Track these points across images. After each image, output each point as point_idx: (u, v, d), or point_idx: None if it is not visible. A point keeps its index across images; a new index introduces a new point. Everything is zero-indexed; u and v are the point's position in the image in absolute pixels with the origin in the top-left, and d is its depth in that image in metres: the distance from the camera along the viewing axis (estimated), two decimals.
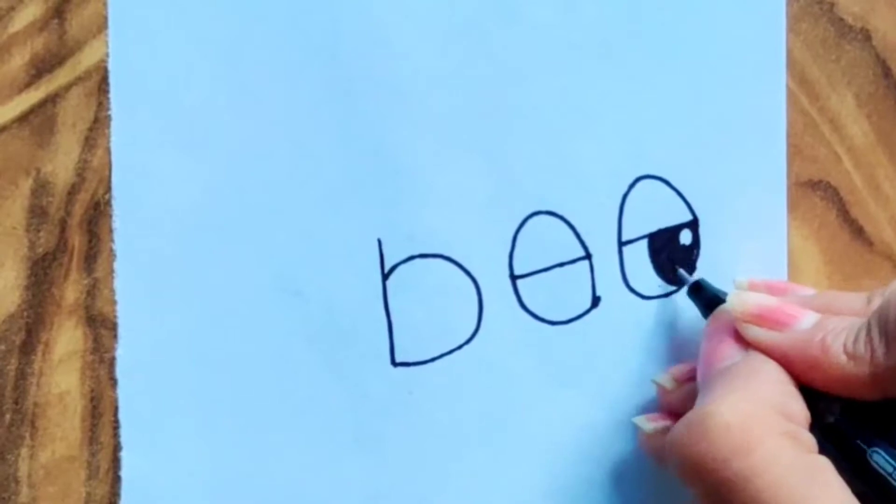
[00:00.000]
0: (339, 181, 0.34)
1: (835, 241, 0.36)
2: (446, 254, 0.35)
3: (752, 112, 0.35)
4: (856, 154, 0.36)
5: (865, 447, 0.28)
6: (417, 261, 0.35)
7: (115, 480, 0.34)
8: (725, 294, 0.33)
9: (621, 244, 0.35)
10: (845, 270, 0.36)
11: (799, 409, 0.28)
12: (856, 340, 0.28)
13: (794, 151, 0.36)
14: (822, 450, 0.28)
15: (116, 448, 0.34)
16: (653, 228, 0.35)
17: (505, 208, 0.35)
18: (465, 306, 0.35)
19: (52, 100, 0.34)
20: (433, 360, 0.35)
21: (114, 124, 0.34)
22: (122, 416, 0.34)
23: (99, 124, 0.34)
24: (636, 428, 0.34)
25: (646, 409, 0.35)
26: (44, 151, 0.34)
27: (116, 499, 0.34)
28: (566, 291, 0.35)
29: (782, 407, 0.28)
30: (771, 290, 0.33)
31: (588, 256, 0.35)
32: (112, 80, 0.34)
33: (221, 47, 0.34)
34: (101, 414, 0.34)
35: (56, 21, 0.34)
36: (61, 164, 0.34)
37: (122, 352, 0.34)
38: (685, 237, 0.35)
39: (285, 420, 0.34)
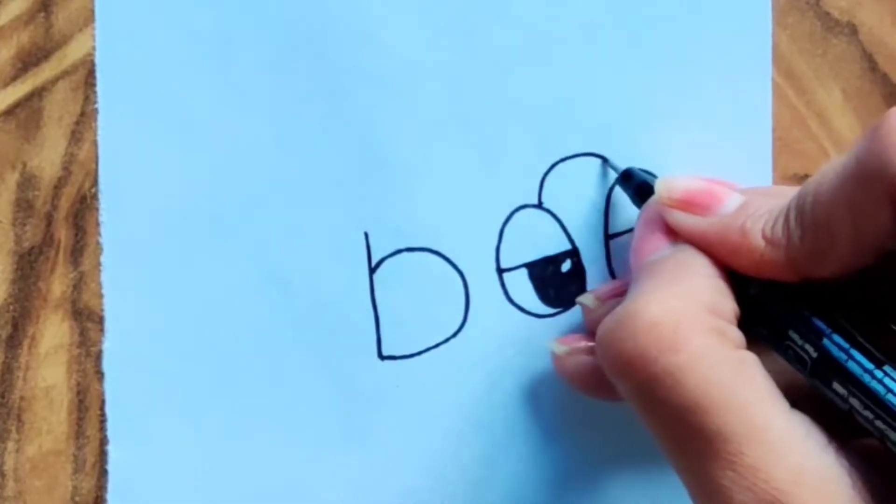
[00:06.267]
0: (327, 174, 0.34)
1: None
2: (433, 247, 0.35)
3: (738, 106, 0.35)
4: (843, 148, 0.36)
5: (786, 319, 0.28)
6: (404, 254, 0.35)
7: (102, 474, 0.34)
8: (651, 180, 0.32)
9: (608, 237, 0.35)
10: None
11: (728, 306, 0.28)
12: (774, 224, 0.28)
13: (781, 145, 0.36)
14: (747, 333, 0.28)
15: (103, 442, 0.34)
16: None
17: (492, 202, 0.35)
18: (452, 300, 0.35)
19: (38, 94, 0.34)
20: (420, 353, 0.35)
21: (100, 118, 0.34)
22: (108, 409, 0.34)
23: (85, 118, 0.34)
24: (552, 355, 0.33)
25: None
26: (30, 145, 0.34)
27: (103, 492, 0.34)
28: (553, 285, 0.35)
29: (711, 303, 0.28)
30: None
31: (575, 250, 0.35)
32: (99, 73, 0.34)
33: (209, 41, 0.34)
34: (87, 408, 0.34)
35: (42, 15, 0.34)
36: (47, 157, 0.34)
37: (108, 345, 0.34)
38: None
39: (272, 413, 0.34)
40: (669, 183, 0.30)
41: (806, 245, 0.27)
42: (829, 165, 0.27)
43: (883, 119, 0.25)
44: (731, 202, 0.29)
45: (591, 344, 0.32)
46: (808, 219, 0.27)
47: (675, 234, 0.30)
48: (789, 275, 0.28)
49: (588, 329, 0.33)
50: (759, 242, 0.28)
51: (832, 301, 0.28)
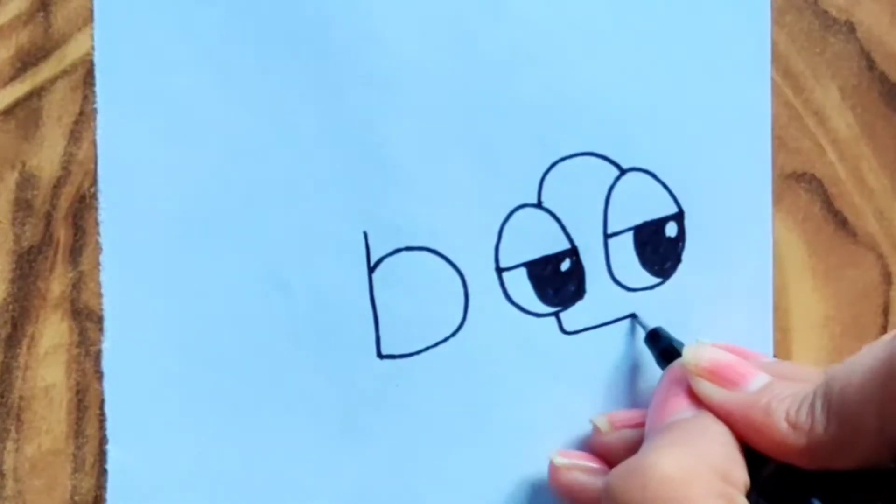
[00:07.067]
0: (326, 174, 0.34)
1: (819, 232, 0.36)
2: (432, 246, 0.35)
3: (737, 104, 0.36)
4: (840, 146, 0.36)
5: None
6: (404, 253, 0.35)
7: (101, 473, 0.34)
8: (682, 345, 0.33)
9: (607, 236, 0.35)
10: (829, 262, 0.36)
11: (739, 475, 0.28)
12: (798, 409, 0.28)
13: (779, 144, 0.36)
14: None
15: (102, 441, 0.34)
16: (638, 221, 0.35)
17: (491, 201, 0.35)
18: (452, 299, 0.35)
19: (37, 93, 0.34)
20: (419, 352, 0.35)
21: (99, 117, 0.34)
22: (108, 409, 0.34)
23: (84, 117, 0.34)
24: (549, 464, 0.34)
25: (630, 401, 0.35)
26: (29, 145, 0.34)
27: (102, 492, 0.34)
28: (552, 284, 0.35)
29: (724, 470, 0.28)
30: (731, 353, 0.33)
31: (574, 249, 0.35)
32: (98, 73, 0.34)
33: (208, 40, 0.34)
34: (86, 407, 0.34)
35: (41, 14, 0.34)
36: (47, 157, 0.34)
37: (107, 345, 0.34)
38: (671, 229, 0.36)
39: (272, 413, 0.34)
40: (697, 352, 0.31)
41: (830, 434, 0.27)
42: (861, 358, 0.27)
43: None
44: (757, 380, 0.30)
45: (590, 464, 0.33)
46: (835, 409, 0.27)
47: (696, 400, 0.31)
48: (806, 461, 0.28)
49: (592, 449, 0.34)
50: (782, 425, 0.28)
51: (844, 494, 0.28)
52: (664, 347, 0.33)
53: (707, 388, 0.30)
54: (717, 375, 0.30)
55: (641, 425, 0.32)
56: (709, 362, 0.31)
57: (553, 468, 0.33)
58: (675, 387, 0.31)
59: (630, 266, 0.35)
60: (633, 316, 0.35)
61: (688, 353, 0.31)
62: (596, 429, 0.34)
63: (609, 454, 0.33)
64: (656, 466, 0.27)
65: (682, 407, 0.31)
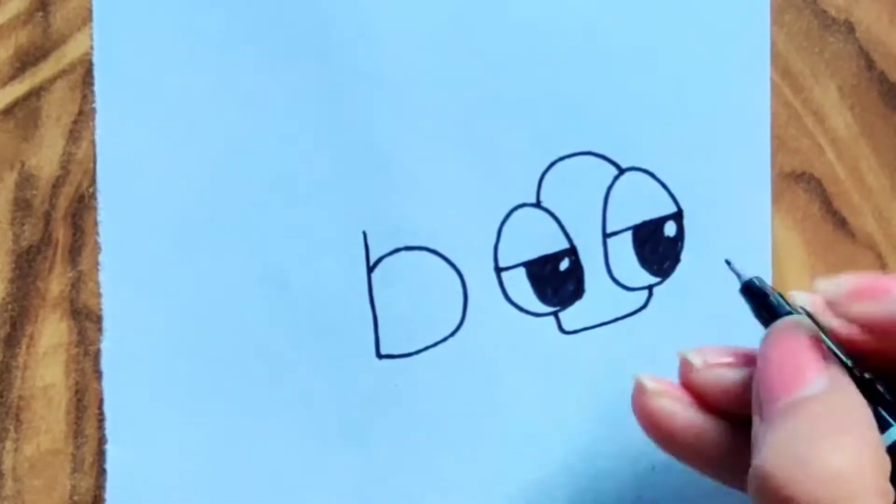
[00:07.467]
0: (325, 174, 0.34)
1: (818, 232, 0.36)
2: (431, 246, 0.35)
3: (736, 104, 0.36)
4: (839, 146, 0.36)
5: None
6: (403, 253, 0.35)
7: (101, 473, 0.34)
8: (781, 295, 0.30)
9: (606, 236, 0.35)
10: (828, 261, 0.36)
11: (886, 463, 0.27)
12: None
13: (778, 143, 0.36)
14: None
15: (101, 441, 0.34)
16: (637, 220, 0.35)
17: (490, 201, 0.35)
18: (451, 298, 0.35)
19: (36, 93, 0.34)
20: (418, 352, 0.35)
21: (99, 117, 0.34)
22: (107, 408, 0.34)
23: (83, 117, 0.34)
24: (635, 384, 0.31)
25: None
26: (28, 144, 0.34)
27: (101, 492, 0.34)
28: (551, 283, 0.35)
29: (882, 462, 0.26)
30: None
31: (573, 248, 0.35)
32: (97, 73, 0.34)
33: (207, 40, 0.34)
34: (86, 407, 0.34)
35: (40, 14, 0.34)
36: (46, 157, 0.34)
37: (107, 344, 0.34)
38: (669, 229, 0.36)
39: (271, 412, 0.34)
40: (835, 280, 0.29)
41: None
42: None
43: None
44: None
45: (680, 394, 0.31)
46: None
47: (823, 366, 0.28)
48: None
49: (681, 383, 0.31)
50: None
51: None
52: (763, 301, 0.30)
53: (867, 308, 0.28)
54: (862, 294, 0.28)
55: (734, 365, 0.30)
56: (853, 284, 0.28)
57: (639, 392, 0.31)
58: (796, 351, 0.28)
59: (629, 265, 0.35)
60: (727, 262, 0.31)
61: (824, 285, 0.29)
62: (686, 364, 0.31)
63: (697, 392, 0.30)
64: (827, 459, 0.25)
65: (811, 376, 0.28)
